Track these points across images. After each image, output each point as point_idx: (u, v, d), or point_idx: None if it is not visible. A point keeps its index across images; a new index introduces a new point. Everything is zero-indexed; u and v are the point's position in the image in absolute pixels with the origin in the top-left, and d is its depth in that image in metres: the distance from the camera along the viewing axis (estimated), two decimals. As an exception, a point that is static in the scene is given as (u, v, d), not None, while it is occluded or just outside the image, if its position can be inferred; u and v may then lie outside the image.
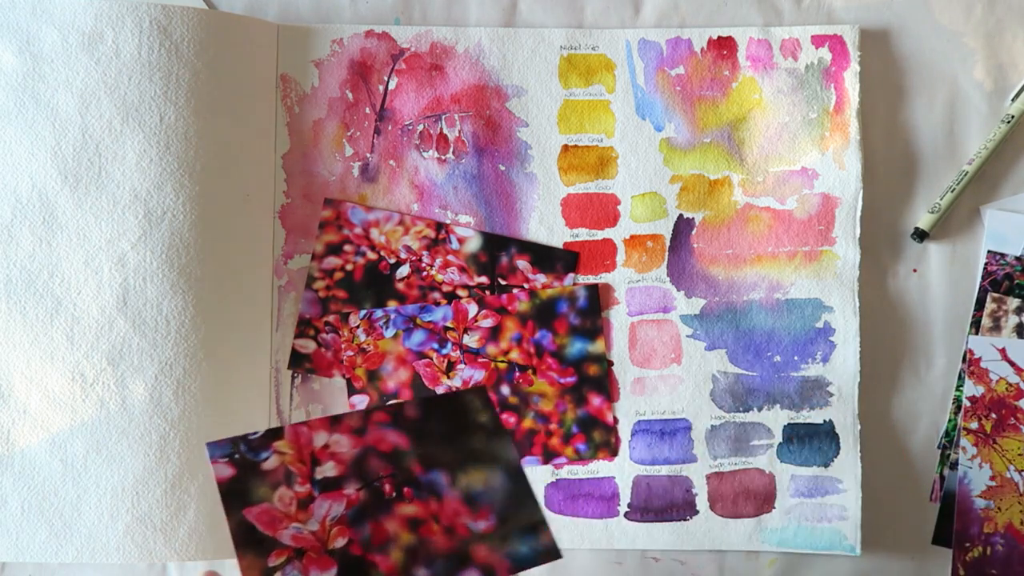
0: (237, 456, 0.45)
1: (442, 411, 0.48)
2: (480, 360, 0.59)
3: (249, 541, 0.45)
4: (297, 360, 0.59)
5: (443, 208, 0.60)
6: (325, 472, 0.46)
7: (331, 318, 0.59)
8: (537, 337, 0.59)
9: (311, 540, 0.45)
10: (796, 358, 0.59)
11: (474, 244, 0.59)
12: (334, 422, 0.46)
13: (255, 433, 0.45)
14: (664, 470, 0.59)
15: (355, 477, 0.46)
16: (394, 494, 0.46)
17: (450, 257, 0.59)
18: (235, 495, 0.45)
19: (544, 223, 0.60)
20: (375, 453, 0.47)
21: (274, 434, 0.46)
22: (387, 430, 0.47)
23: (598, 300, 0.59)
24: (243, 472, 0.45)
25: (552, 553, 0.47)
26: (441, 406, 0.48)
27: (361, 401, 0.59)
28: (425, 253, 0.59)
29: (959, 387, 0.60)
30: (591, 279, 0.60)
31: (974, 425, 0.59)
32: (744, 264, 0.60)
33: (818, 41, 0.60)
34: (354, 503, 0.46)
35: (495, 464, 0.47)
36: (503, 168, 0.60)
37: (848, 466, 0.59)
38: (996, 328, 0.60)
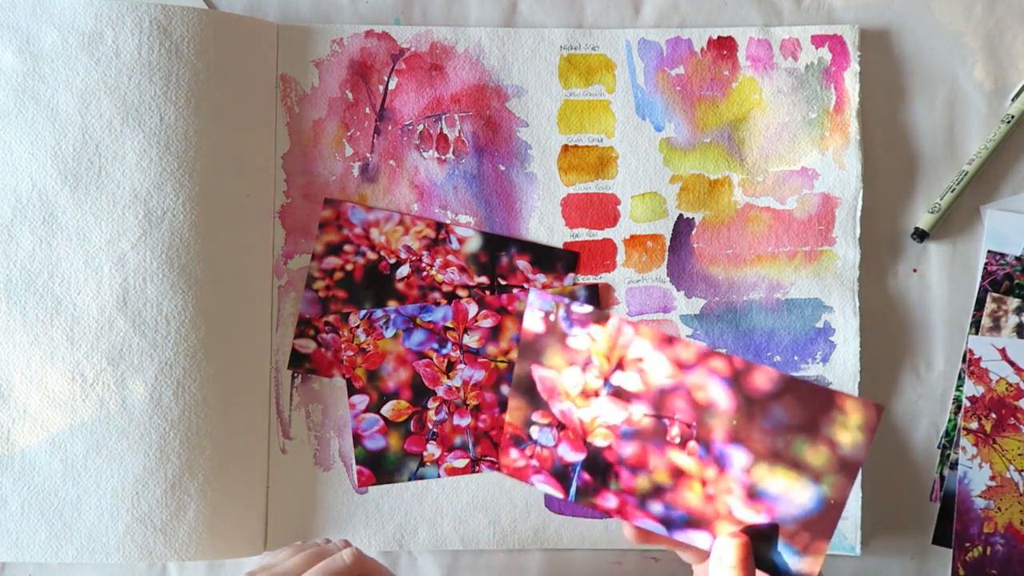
0: (552, 317, 0.43)
1: (803, 402, 0.41)
2: (480, 360, 0.59)
3: (525, 391, 0.45)
4: (297, 360, 0.59)
5: (443, 208, 0.60)
6: (624, 381, 0.43)
7: (331, 318, 0.59)
8: (537, 337, 0.59)
9: (575, 424, 0.44)
10: (796, 358, 0.59)
11: (474, 244, 0.59)
12: (668, 341, 0.42)
13: (583, 305, 0.43)
14: (664, 470, 0.59)
15: (651, 403, 0.43)
16: (677, 440, 0.43)
17: (450, 257, 0.59)
18: (531, 350, 0.44)
19: (544, 223, 0.60)
20: (686, 395, 0.42)
21: (599, 317, 0.43)
22: (718, 382, 0.42)
23: (598, 300, 0.59)
24: (549, 336, 0.43)
25: None
26: (806, 397, 0.41)
27: (361, 401, 0.59)
28: (425, 253, 0.59)
29: (959, 387, 0.60)
30: (591, 279, 0.60)
31: (974, 425, 0.59)
32: (744, 264, 0.60)
33: (818, 41, 0.60)
34: (633, 424, 0.44)
35: (814, 484, 0.42)
36: (503, 168, 0.60)
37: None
38: (996, 328, 0.60)
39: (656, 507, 0.44)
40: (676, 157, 0.60)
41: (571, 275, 0.60)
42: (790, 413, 0.41)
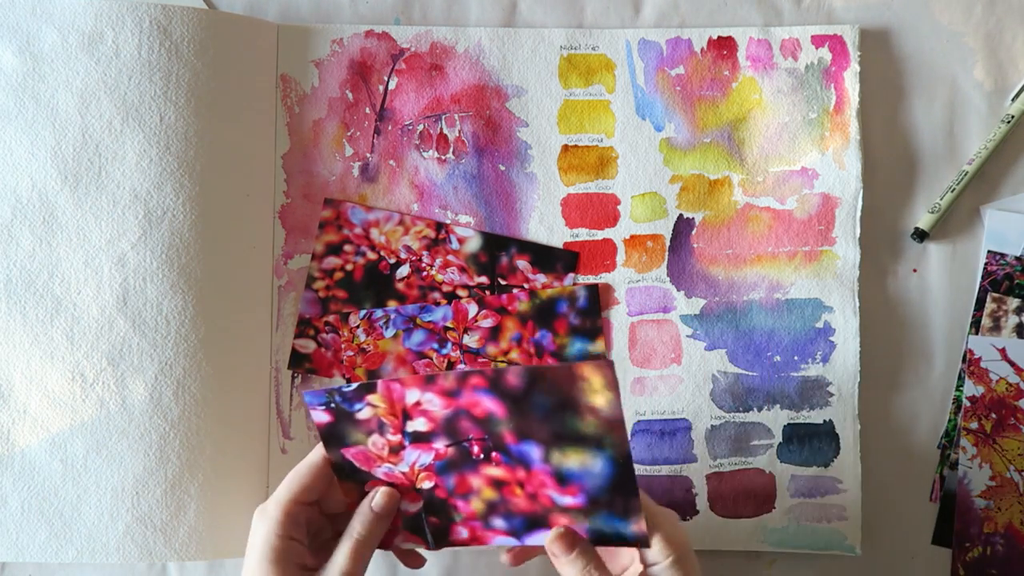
0: (333, 405, 0.47)
1: (550, 384, 0.44)
2: (480, 360, 0.59)
3: (348, 472, 0.49)
4: (297, 360, 0.59)
5: (443, 208, 0.60)
6: (416, 427, 0.47)
7: (331, 318, 0.59)
8: (537, 337, 0.59)
9: (401, 479, 0.48)
10: (796, 358, 0.59)
11: (474, 244, 0.59)
12: (428, 381, 0.46)
13: (348, 385, 0.47)
14: (664, 470, 0.59)
15: (445, 435, 0.47)
16: (482, 456, 0.47)
17: (450, 257, 0.59)
18: (333, 437, 0.48)
19: (544, 223, 0.60)
20: (467, 416, 0.46)
21: (367, 388, 0.47)
22: (483, 396, 0.45)
23: (598, 300, 0.59)
24: (339, 419, 0.47)
25: (640, 541, 0.47)
26: (550, 379, 0.44)
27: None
28: (425, 253, 0.59)
29: (959, 387, 0.60)
30: (591, 279, 0.60)
31: (974, 425, 0.59)
32: (744, 264, 0.60)
33: (818, 41, 0.60)
34: (442, 457, 0.48)
35: (599, 450, 0.45)
36: (503, 168, 0.60)
37: (848, 466, 0.58)
38: (996, 328, 0.60)
39: (499, 522, 0.49)
40: (676, 157, 0.60)
41: (571, 275, 0.60)
42: (548, 397, 0.44)
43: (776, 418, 0.59)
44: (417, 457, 0.48)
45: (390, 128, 0.60)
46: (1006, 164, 0.61)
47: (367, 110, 0.60)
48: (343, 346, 0.59)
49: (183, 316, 0.55)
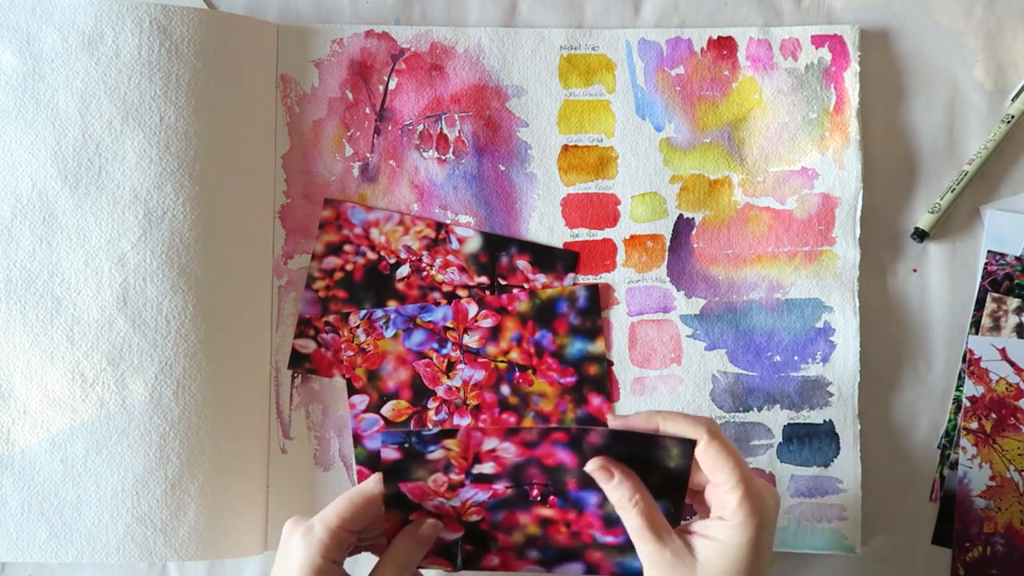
0: (407, 446, 0.47)
1: (632, 449, 0.47)
2: (480, 360, 0.59)
3: (396, 503, 0.48)
4: (297, 360, 0.59)
5: (443, 208, 0.60)
6: (483, 469, 0.48)
7: (331, 318, 0.59)
8: (537, 337, 0.59)
9: (450, 511, 0.49)
10: (796, 358, 0.59)
11: (474, 244, 0.59)
12: (510, 433, 0.47)
13: (429, 430, 0.47)
14: (664, 470, 0.59)
15: (509, 478, 0.48)
16: (539, 499, 0.49)
17: (450, 257, 0.59)
18: (395, 472, 0.48)
19: (544, 223, 0.60)
20: (538, 464, 0.48)
21: (447, 434, 0.47)
22: (561, 449, 0.47)
23: (598, 300, 0.59)
24: (408, 457, 0.48)
25: None
26: (634, 444, 0.47)
27: (361, 401, 0.59)
28: (425, 253, 0.59)
29: (959, 387, 0.60)
30: (591, 279, 0.60)
31: (974, 425, 0.59)
32: (744, 264, 0.60)
33: (818, 41, 0.60)
34: (499, 496, 0.49)
35: (656, 500, 0.47)
36: (503, 168, 0.60)
37: (848, 466, 0.59)
38: (996, 328, 0.60)
39: (532, 553, 0.50)
40: (676, 157, 0.60)
41: (571, 275, 0.60)
42: (623, 457, 0.47)
43: (776, 418, 0.59)
44: (473, 495, 0.49)
45: (390, 128, 0.60)
46: (1006, 164, 0.61)
47: (367, 110, 0.60)
48: (343, 346, 0.59)
49: (183, 316, 0.55)
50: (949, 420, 0.60)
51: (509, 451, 0.47)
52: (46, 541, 0.54)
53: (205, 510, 0.55)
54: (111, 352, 0.54)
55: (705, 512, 0.48)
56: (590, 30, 0.61)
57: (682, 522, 0.49)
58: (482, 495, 0.49)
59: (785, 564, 0.59)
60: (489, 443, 0.47)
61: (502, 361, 0.59)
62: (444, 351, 0.59)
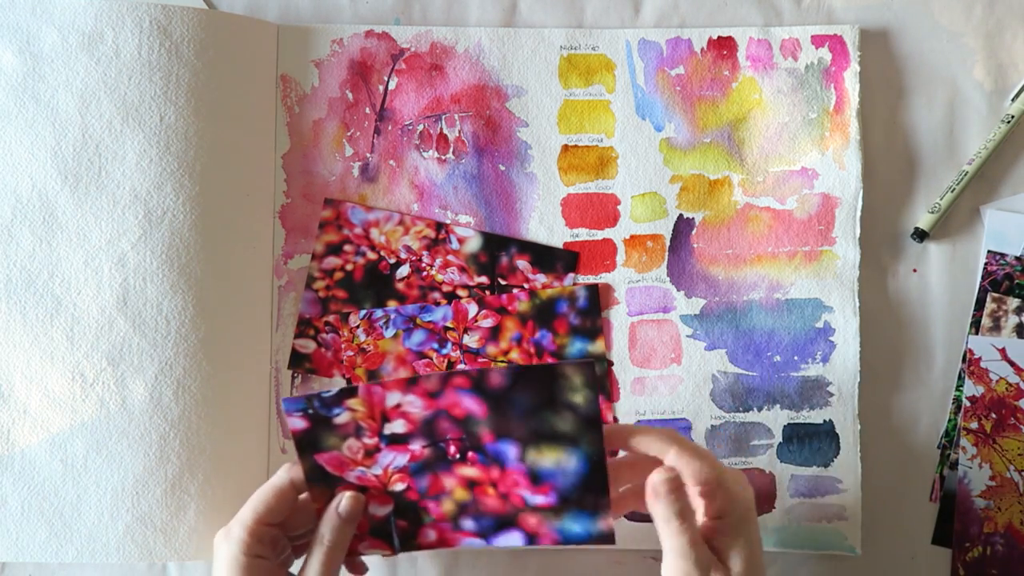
0: (311, 411, 0.47)
1: (533, 384, 0.46)
2: (480, 360, 0.59)
3: (319, 478, 0.49)
4: (297, 360, 0.59)
5: (443, 208, 0.60)
6: (394, 428, 0.48)
7: (331, 318, 0.59)
8: (537, 337, 0.59)
9: (373, 481, 0.49)
10: (796, 358, 0.59)
11: (474, 244, 0.59)
12: (410, 384, 0.47)
13: (329, 391, 0.47)
14: (664, 470, 0.59)
15: (422, 436, 0.48)
16: (458, 456, 0.48)
17: (450, 257, 0.59)
18: (307, 443, 0.48)
19: (544, 223, 0.60)
20: (447, 417, 0.47)
21: (348, 392, 0.47)
22: (465, 395, 0.47)
23: (598, 300, 0.59)
24: (315, 425, 0.48)
25: (606, 538, 0.48)
26: (533, 378, 0.46)
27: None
28: (425, 253, 0.59)
29: (959, 387, 0.60)
30: (591, 279, 0.60)
31: (974, 425, 0.59)
32: (744, 264, 0.60)
33: (818, 41, 0.60)
34: (417, 458, 0.48)
35: (574, 448, 0.47)
36: (503, 168, 0.60)
37: (848, 466, 0.58)
38: (996, 328, 0.60)
39: (468, 523, 0.49)
40: (676, 157, 0.60)
41: (571, 275, 0.60)
42: (528, 396, 0.46)
43: (776, 418, 0.59)
44: (392, 459, 0.48)
45: (390, 128, 0.60)
46: (1006, 164, 0.61)
47: (367, 110, 0.60)
48: (343, 346, 0.59)
49: (183, 316, 0.55)
50: (949, 420, 0.60)
51: (415, 404, 0.47)
52: (46, 541, 0.54)
53: (205, 510, 0.55)
54: (111, 352, 0.54)
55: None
56: (590, 30, 0.61)
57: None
58: (401, 458, 0.48)
59: (785, 564, 0.59)
60: (392, 397, 0.47)
61: (502, 361, 0.59)
62: (444, 351, 0.59)
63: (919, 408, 0.60)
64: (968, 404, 0.59)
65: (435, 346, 0.59)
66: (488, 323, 0.59)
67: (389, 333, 0.59)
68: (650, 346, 0.59)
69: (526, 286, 0.59)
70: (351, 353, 0.59)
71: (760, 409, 0.59)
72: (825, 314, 0.59)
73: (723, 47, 0.61)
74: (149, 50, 0.55)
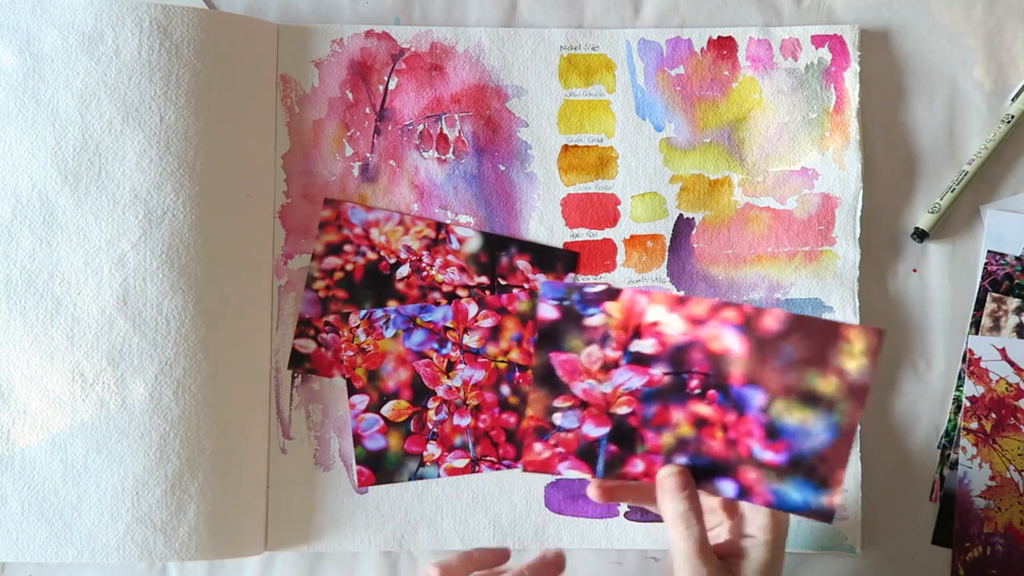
0: (566, 303, 0.45)
1: (809, 338, 0.44)
2: (480, 360, 0.59)
3: (545, 379, 0.46)
4: (297, 360, 0.59)
5: (443, 208, 0.60)
6: (642, 347, 0.45)
7: (331, 318, 0.59)
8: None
9: (598, 399, 0.46)
10: (796, 358, 0.59)
11: (474, 244, 0.59)
12: (679, 302, 0.44)
13: (594, 286, 0.44)
14: (664, 470, 0.59)
15: (668, 362, 0.45)
16: (697, 391, 0.45)
17: (450, 257, 0.59)
18: (548, 338, 0.45)
19: (544, 223, 0.60)
20: (702, 348, 0.45)
21: (611, 294, 0.45)
22: (730, 331, 0.44)
23: (598, 300, 0.59)
24: (565, 320, 0.45)
25: (826, 516, 0.46)
26: (812, 332, 0.44)
27: (361, 401, 0.59)
28: (425, 253, 0.59)
29: (959, 387, 0.60)
30: (591, 279, 0.60)
31: (974, 425, 0.59)
32: (744, 264, 0.60)
33: (818, 41, 0.60)
34: (654, 384, 0.46)
35: (827, 413, 0.44)
36: (503, 168, 0.60)
37: (848, 466, 0.58)
38: (996, 328, 0.60)
39: (681, 460, 0.46)
40: (676, 157, 0.60)
41: (571, 275, 0.60)
42: (799, 349, 0.44)
43: (776, 418, 0.59)
44: (627, 380, 0.45)
45: (390, 128, 0.60)
46: (1006, 164, 0.61)
47: (367, 110, 0.60)
48: (343, 346, 0.59)
49: (183, 316, 0.55)
50: (949, 420, 0.60)
51: (674, 326, 0.44)
52: (46, 541, 0.54)
53: (205, 510, 0.55)
54: (111, 352, 0.54)
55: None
56: (590, 30, 0.61)
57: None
58: (637, 380, 0.45)
59: (785, 564, 0.59)
60: (654, 312, 0.44)
61: (502, 361, 0.59)
62: (444, 351, 0.59)
63: (919, 408, 0.60)
64: (968, 404, 0.59)
65: (435, 346, 0.59)
66: (488, 323, 0.59)
67: (389, 333, 0.59)
68: (650, 346, 0.59)
69: (526, 286, 0.59)
70: (351, 353, 0.59)
71: (760, 409, 0.59)
72: (825, 314, 0.59)
73: (723, 47, 0.61)
74: (149, 50, 0.55)
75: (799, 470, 0.45)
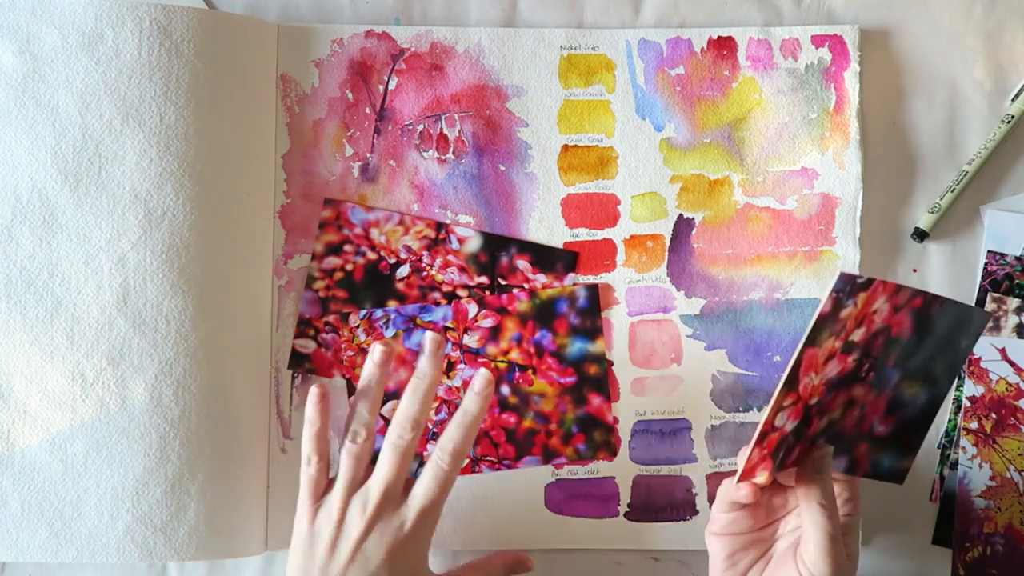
0: (839, 296, 0.43)
1: (953, 320, 0.45)
2: (480, 360, 0.59)
3: (791, 380, 0.44)
4: (297, 360, 0.59)
5: (443, 208, 0.60)
6: (854, 336, 0.44)
7: (331, 318, 0.59)
8: (537, 337, 0.59)
9: (808, 392, 0.45)
10: (796, 358, 0.59)
11: (474, 244, 0.59)
12: (897, 291, 0.44)
13: (862, 277, 0.43)
14: (664, 470, 0.59)
15: (863, 349, 0.45)
16: (862, 376, 0.45)
17: (450, 257, 0.59)
18: (818, 330, 0.43)
19: (544, 223, 0.60)
20: (885, 333, 0.45)
21: (864, 285, 0.43)
22: (910, 317, 0.44)
23: (598, 300, 0.59)
24: (833, 311, 0.43)
25: (899, 476, 0.48)
26: (958, 315, 0.45)
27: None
28: (425, 253, 0.59)
29: (959, 387, 0.60)
30: (591, 279, 0.60)
31: (974, 425, 0.59)
32: (744, 264, 0.60)
33: (818, 41, 0.60)
34: (844, 371, 0.45)
35: (931, 386, 0.46)
36: (503, 168, 0.60)
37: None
38: (996, 328, 0.60)
39: (821, 439, 0.47)
40: (676, 157, 0.60)
41: (571, 275, 0.60)
42: (944, 331, 0.45)
43: (776, 418, 0.59)
44: (830, 369, 0.44)
45: (390, 128, 0.60)
46: (1006, 164, 0.61)
47: (367, 110, 0.60)
48: (343, 346, 0.59)
49: (183, 316, 0.55)
50: (949, 420, 0.60)
51: (882, 314, 0.43)
52: (46, 541, 0.54)
53: (205, 510, 0.55)
54: (111, 352, 0.54)
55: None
56: (590, 30, 0.61)
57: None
58: (833, 368, 0.44)
59: (785, 564, 0.59)
60: (879, 302, 0.43)
61: (502, 361, 0.59)
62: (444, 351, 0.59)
63: (919, 408, 0.60)
64: (968, 404, 0.59)
65: (435, 346, 0.59)
66: (488, 323, 0.59)
67: (389, 333, 0.59)
68: (650, 346, 0.59)
69: (526, 286, 0.59)
70: (351, 353, 0.59)
71: (760, 409, 0.59)
72: (825, 314, 0.59)
73: (723, 47, 0.61)
74: (149, 50, 0.55)
75: (895, 439, 0.47)
